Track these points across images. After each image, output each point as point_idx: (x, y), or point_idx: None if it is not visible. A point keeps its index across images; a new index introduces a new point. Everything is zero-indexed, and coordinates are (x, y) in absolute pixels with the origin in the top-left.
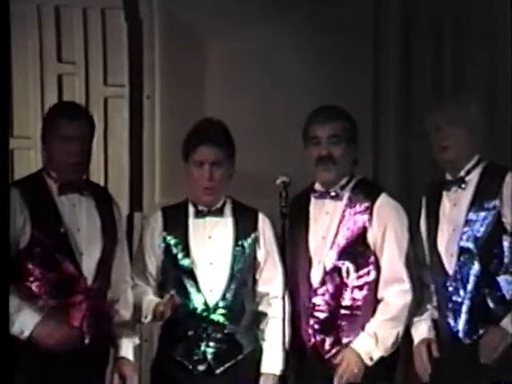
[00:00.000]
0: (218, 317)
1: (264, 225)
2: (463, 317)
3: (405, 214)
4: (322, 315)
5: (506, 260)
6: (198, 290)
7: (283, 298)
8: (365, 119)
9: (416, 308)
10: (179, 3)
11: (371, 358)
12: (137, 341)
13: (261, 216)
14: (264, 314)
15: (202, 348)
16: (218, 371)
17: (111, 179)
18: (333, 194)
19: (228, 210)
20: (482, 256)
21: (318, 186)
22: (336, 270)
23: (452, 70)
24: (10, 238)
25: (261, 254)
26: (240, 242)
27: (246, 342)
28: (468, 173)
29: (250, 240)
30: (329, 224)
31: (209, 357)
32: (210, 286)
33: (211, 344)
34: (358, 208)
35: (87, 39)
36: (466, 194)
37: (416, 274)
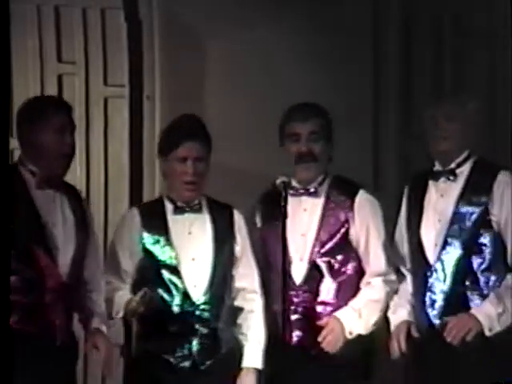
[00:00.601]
0: (202, 312)
1: (239, 221)
2: (440, 306)
3: (381, 209)
4: (303, 312)
5: (488, 256)
6: (183, 286)
7: (259, 293)
8: (365, 119)
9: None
10: (179, 3)
11: (351, 333)
12: (104, 317)
13: (236, 212)
14: (240, 309)
15: (187, 344)
16: (202, 367)
17: (111, 179)
18: (312, 190)
19: (205, 206)
20: (465, 249)
21: (294, 183)
22: (318, 266)
23: (452, 69)
24: None
25: (238, 250)
26: (219, 238)
27: (226, 338)
28: (459, 166)
29: (227, 236)
30: (308, 221)
31: (194, 353)
32: (194, 282)
33: (196, 340)
34: (338, 205)
35: (87, 39)
36: (456, 187)
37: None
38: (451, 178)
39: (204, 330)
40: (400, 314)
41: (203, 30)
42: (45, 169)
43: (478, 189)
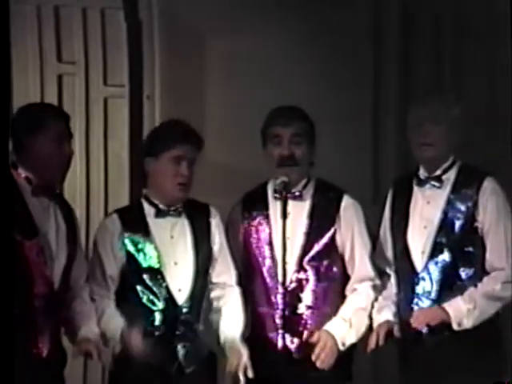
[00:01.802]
0: (186, 316)
1: (215, 219)
2: None
3: (363, 213)
4: (287, 315)
5: (475, 263)
6: (167, 290)
7: (237, 287)
8: (365, 119)
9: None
10: (179, 3)
11: (343, 344)
12: (96, 329)
13: (212, 211)
14: (218, 300)
15: (173, 348)
16: (188, 370)
17: (111, 179)
18: (296, 193)
19: (183, 209)
20: (453, 257)
21: (278, 186)
22: (303, 270)
23: (452, 69)
24: None
25: (215, 249)
26: (198, 241)
27: (208, 340)
28: (444, 172)
29: (205, 237)
30: (293, 225)
31: (180, 356)
32: (178, 286)
33: (181, 343)
34: (324, 209)
35: (87, 39)
36: (442, 194)
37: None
38: (437, 184)
39: (188, 334)
40: (384, 314)
41: (203, 30)
42: (41, 177)
43: (464, 196)
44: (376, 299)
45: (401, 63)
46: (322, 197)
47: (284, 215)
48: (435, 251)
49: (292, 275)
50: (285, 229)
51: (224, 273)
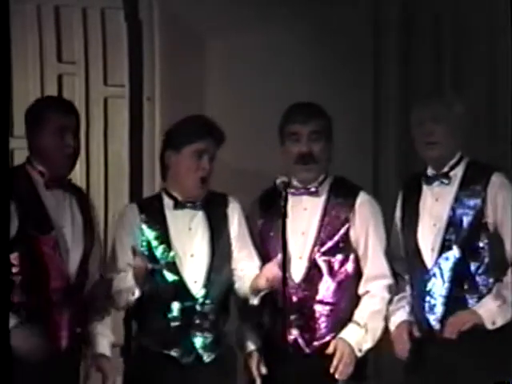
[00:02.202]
0: (203, 306)
1: (234, 209)
2: (440, 310)
3: (381, 211)
4: (301, 311)
5: (485, 259)
6: (183, 281)
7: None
8: (365, 119)
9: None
10: (179, 3)
11: (360, 350)
12: (112, 337)
13: (231, 200)
14: (239, 280)
15: (190, 338)
16: (206, 360)
17: (111, 179)
18: (312, 189)
19: (202, 201)
20: (462, 253)
21: (295, 183)
22: (316, 265)
23: (452, 69)
24: None
25: (234, 239)
26: (216, 233)
27: (226, 331)
28: (452, 168)
29: (223, 228)
30: (308, 220)
31: (197, 346)
32: (194, 278)
33: (198, 334)
34: (339, 205)
35: (87, 39)
36: (450, 190)
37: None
38: (445, 181)
39: (205, 324)
40: (399, 314)
41: (203, 30)
42: (50, 169)
43: (472, 192)
44: (391, 300)
45: (401, 63)
46: (338, 193)
47: (284, 215)
48: (444, 248)
49: (305, 270)
50: (285, 227)
51: (245, 259)
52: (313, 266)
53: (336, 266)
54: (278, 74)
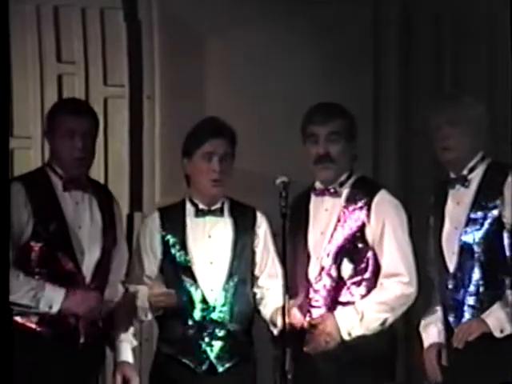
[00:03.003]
0: (218, 315)
1: (261, 222)
2: (466, 315)
3: (403, 211)
4: (318, 311)
5: (507, 259)
6: (198, 289)
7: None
8: (365, 119)
9: (424, 307)
10: (179, 3)
11: (350, 334)
12: (134, 342)
13: (259, 214)
14: (260, 302)
15: (204, 347)
16: (221, 370)
17: (111, 179)
18: (332, 190)
19: (226, 209)
20: (482, 255)
21: (317, 184)
22: (334, 265)
23: (452, 69)
24: (13, 231)
25: (259, 251)
26: (239, 241)
27: (246, 340)
28: (471, 171)
29: (248, 238)
30: (328, 220)
31: (211, 355)
32: (211, 286)
33: (213, 343)
34: (357, 205)
35: (87, 39)
36: (469, 193)
37: (423, 272)
38: (465, 184)
39: (221, 333)
40: (431, 333)
41: (203, 29)
42: (65, 171)
43: (490, 192)
44: (408, 299)
45: (401, 63)
46: (358, 193)
47: (284, 215)
48: (464, 251)
49: (323, 270)
50: (284, 227)
51: (268, 276)
52: (330, 265)
53: (353, 265)
54: (278, 74)
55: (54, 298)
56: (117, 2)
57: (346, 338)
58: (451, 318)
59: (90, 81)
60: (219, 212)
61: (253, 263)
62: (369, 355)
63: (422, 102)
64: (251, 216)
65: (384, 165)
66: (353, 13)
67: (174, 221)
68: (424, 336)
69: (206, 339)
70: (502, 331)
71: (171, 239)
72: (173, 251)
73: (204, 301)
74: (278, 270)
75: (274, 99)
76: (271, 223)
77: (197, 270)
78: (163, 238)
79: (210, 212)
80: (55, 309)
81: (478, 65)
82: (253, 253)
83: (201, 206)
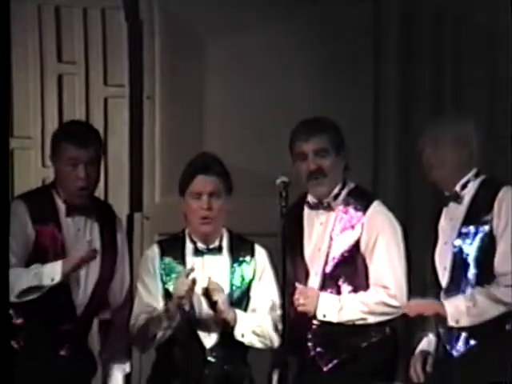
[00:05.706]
0: (214, 359)
1: (260, 258)
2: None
3: (397, 222)
4: (318, 326)
5: (496, 275)
6: (194, 332)
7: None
8: (365, 120)
9: (420, 321)
10: (179, 3)
11: (324, 316)
12: (127, 369)
13: (257, 248)
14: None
15: (196, 373)
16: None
17: (111, 179)
18: (325, 204)
19: (225, 245)
20: (474, 270)
21: (310, 198)
22: (332, 280)
23: (452, 69)
24: (21, 245)
25: (255, 285)
26: (237, 279)
27: (239, 376)
28: (463, 187)
29: (246, 275)
30: (323, 235)
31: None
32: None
33: (209, 382)
34: (351, 218)
35: (87, 39)
36: (461, 208)
37: (423, 280)
38: (458, 200)
39: (215, 373)
40: (422, 342)
41: (203, 30)
42: (68, 197)
43: (481, 208)
44: (390, 306)
45: (401, 63)
46: (351, 204)
47: (284, 215)
48: (455, 266)
49: (322, 286)
50: (284, 227)
51: (259, 303)
52: (328, 280)
53: (351, 279)
54: (278, 74)
55: (53, 270)
56: (118, 2)
57: (319, 317)
58: (441, 331)
59: (91, 81)
60: (218, 250)
61: (248, 298)
62: (369, 355)
63: (422, 105)
64: (250, 252)
65: (384, 165)
66: (353, 13)
67: (173, 256)
68: (416, 345)
69: (203, 379)
70: (457, 322)
71: (169, 276)
72: (171, 288)
73: (198, 343)
74: (274, 302)
75: (274, 99)
76: (271, 223)
77: (196, 304)
78: (162, 273)
79: (208, 251)
80: (57, 278)
81: (479, 65)
82: (249, 288)
83: (199, 245)
